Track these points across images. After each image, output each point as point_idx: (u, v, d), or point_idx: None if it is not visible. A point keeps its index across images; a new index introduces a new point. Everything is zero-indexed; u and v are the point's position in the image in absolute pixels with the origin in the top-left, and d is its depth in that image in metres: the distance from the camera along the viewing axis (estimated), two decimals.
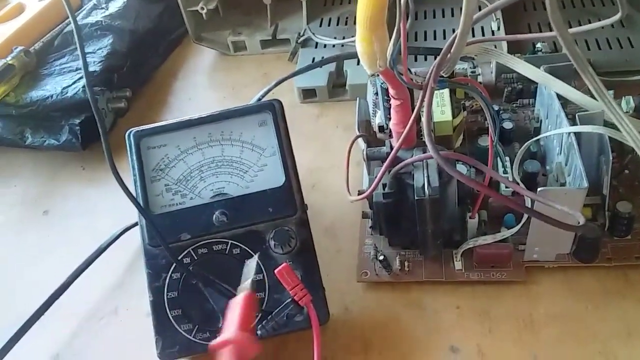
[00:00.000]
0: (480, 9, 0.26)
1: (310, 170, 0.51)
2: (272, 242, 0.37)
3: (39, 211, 0.52)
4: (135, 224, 0.47)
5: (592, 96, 0.41)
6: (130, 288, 0.45)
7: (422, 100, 0.30)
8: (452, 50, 0.28)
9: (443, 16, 0.62)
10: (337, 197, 0.49)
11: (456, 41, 0.27)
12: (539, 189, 0.34)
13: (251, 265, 0.25)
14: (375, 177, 0.38)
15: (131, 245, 0.47)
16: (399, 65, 0.31)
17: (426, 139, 0.30)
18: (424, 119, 0.29)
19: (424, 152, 0.37)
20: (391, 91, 0.34)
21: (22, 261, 0.48)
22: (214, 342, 0.22)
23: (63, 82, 0.56)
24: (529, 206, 0.39)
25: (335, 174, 0.51)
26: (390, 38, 0.28)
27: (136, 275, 0.45)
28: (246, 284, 0.24)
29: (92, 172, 0.56)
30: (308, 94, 0.58)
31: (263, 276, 0.37)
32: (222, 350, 0.23)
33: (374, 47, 0.28)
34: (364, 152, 0.39)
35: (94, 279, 0.44)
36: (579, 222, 0.32)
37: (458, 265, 0.40)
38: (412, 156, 0.38)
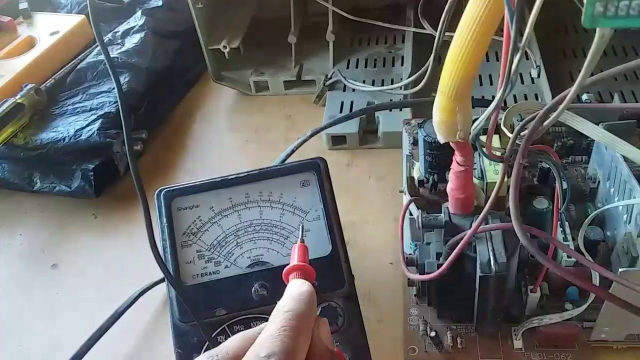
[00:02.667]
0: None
1: (342, 225, 0.47)
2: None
3: (47, 264, 0.48)
4: (154, 285, 0.43)
5: None
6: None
7: (504, 174, 0.26)
8: (544, 123, 0.24)
9: (487, 60, 0.59)
10: (374, 258, 0.45)
11: (555, 114, 0.23)
12: (619, 270, 0.31)
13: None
14: (429, 247, 0.35)
15: (150, 310, 0.43)
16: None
17: (512, 212, 0.26)
18: (510, 193, 0.26)
19: (486, 221, 0.34)
20: (458, 158, 0.31)
21: (28, 324, 0.44)
22: (286, 269, 0.29)
23: (76, 124, 0.53)
24: (597, 283, 0.36)
25: (370, 231, 0.47)
26: None
27: (155, 345, 0.41)
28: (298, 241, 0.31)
29: (105, 221, 0.52)
30: (337, 141, 0.54)
31: None
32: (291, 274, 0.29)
33: (456, 117, 0.25)
34: (419, 220, 0.35)
35: (109, 349, 0.40)
36: None
37: (518, 344, 0.36)
38: (470, 224, 0.34)
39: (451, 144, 0.29)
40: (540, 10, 0.19)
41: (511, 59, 0.20)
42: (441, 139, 0.27)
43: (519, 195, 0.37)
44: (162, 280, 0.43)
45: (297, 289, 0.26)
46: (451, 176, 0.34)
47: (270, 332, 0.24)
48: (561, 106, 0.22)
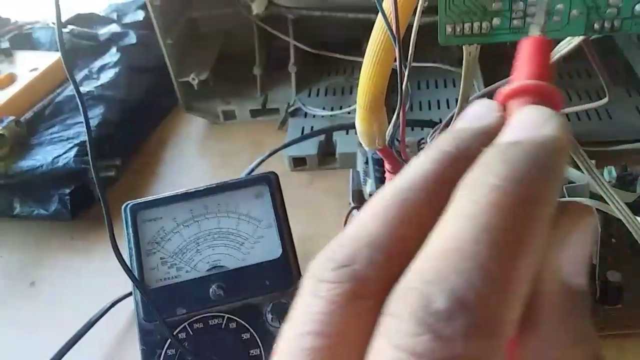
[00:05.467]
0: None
1: (301, 239, 0.51)
2: (269, 316, 0.37)
3: (25, 282, 0.51)
4: (125, 297, 0.47)
5: (577, 168, 0.43)
6: None
7: None
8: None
9: (436, 87, 0.64)
10: None
11: (453, 120, 0.28)
12: None
13: None
14: None
15: (121, 319, 0.46)
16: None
17: None
18: None
19: None
20: (387, 166, 0.35)
21: (6, 335, 0.47)
22: (501, 91, 0.16)
23: (54, 152, 0.57)
24: None
25: (326, 243, 0.51)
26: (389, 118, 0.29)
27: (126, 350, 0.44)
28: (533, 26, 0.17)
29: (80, 242, 0.55)
30: (298, 163, 0.59)
31: (260, 352, 0.37)
32: (512, 104, 0.15)
33: (373, 127, 0.29)
34: None
35: (82, 355, 0.43)
36: None
37: None
38: None
39: (378, 153, 0.34)
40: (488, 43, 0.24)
41: (401, 73, 0.24)
42: (366, 147, 0.32)
43: None
44: (131, 293, 0.47)
45: (532, 128, 0.14)
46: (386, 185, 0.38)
47: (458, 232, 0.13)
48: (455, 114, 0.27)
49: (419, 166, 0.15)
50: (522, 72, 0.16)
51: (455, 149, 0.15)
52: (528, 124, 0.14)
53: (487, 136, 0.15)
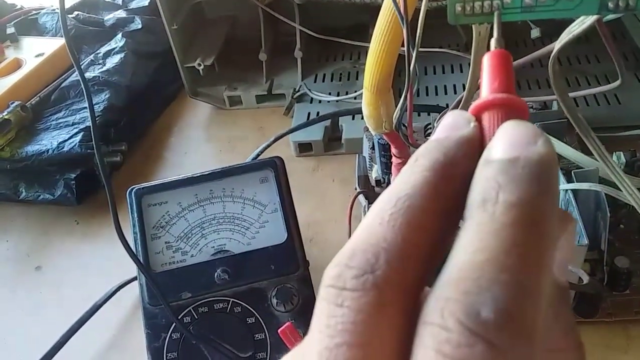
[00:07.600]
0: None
1: (307, 224, 0.51)
2: (274, 300, 0.37)
3: (31, 267, 0.51)
4: (130, 281, 0.47)
5: (585, 153, 0.43)
6: (125, 348, 0.44)
7: None
8: None
9: (443, 72, 0.63)
10: (335, 252, 0.48)
11: (461, 105, 0.27)
12: None
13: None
14: None
15: (126, 303, 0.46)
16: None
17: None
18: None
19: None
20: (394, 150, 0.35)
21: (13, 319, 0.47)
22: (472, 107, 0.16)
23: (59, 137, 0.56)
24: None
25: (333, 228, 0.51)
26: (396, 102, 0.29)
27: (131, 334, 0.44)
28: (493, 40, 0.18)
29: (86, 227, 0.55)
30: (304, 148, 0.58)
31: (265, 335, 0.37)
32: (484, 116, 0.16)
33: (380, 111, 0.29)
34: (365, 209, 0.39)
35: (88, 339, 0.43)
36: (581, 280, 0.32)
37: None
38: None
39: (385, 137, 0.33)
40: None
41: (408, 54, 0.24)
42: (372, 131, 0.31)
43: None
44: (137, 278, 0.47)
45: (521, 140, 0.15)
46: (393, 169, 0.38)
47: (486, 246, 0.13)
48: (462, 100, 0.26)
49: (415, 174, 0.15)
50: (489, 85, 0.17)
51: (443, 156, 0.15)
52: (519, 140, 0.15)
53: (467, 145, 0.16)
